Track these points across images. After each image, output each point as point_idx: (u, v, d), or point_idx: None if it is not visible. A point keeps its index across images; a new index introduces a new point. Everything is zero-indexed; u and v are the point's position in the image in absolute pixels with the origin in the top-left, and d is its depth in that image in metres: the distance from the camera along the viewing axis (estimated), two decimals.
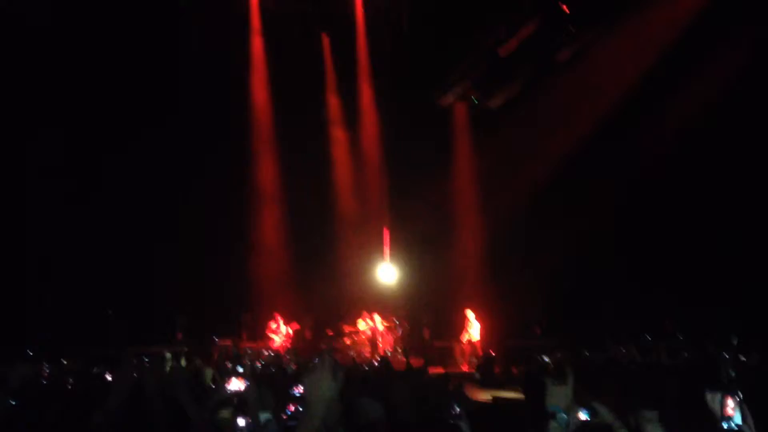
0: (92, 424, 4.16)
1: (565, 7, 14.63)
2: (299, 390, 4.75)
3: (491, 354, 13.48)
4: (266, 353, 13.70)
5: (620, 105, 15.44)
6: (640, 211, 15.63)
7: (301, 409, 4.11)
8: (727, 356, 8.78)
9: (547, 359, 12.37)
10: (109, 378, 8.78)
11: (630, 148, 15.49)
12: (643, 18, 14.58)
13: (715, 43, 14.38)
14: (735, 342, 10.10)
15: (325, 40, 17.51)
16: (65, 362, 10.44)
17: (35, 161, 14.27)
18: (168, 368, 10.12)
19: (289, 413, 4.39)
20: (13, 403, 4.66)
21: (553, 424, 3.25)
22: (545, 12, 14.87)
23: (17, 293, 13.75)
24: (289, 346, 14.85)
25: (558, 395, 3.29)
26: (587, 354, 12.37)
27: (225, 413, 4.29)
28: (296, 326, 15.37)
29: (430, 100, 18.05)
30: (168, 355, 11.06)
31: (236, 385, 4.37)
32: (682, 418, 3.85)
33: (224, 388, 4.51)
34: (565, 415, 3.21)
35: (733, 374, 6.85)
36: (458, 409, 4.57)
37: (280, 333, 15.13)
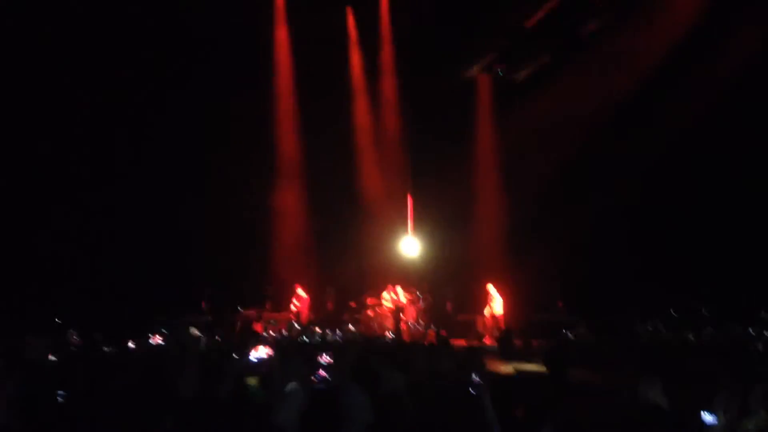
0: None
1: None
2: (325, 359, 4.82)
3: (511, 327, 13.49)
4: (293, 324, 13.84)
5: (647, 80, 15.18)
6: (665, 187, 15.44)
7: (328, 376, 4.21)
8: (753, 333, 8.68)
9: (570, 334, 12.42)
10: (132, 345, 8.99)
11: (656, 125, 15.25)
12: None
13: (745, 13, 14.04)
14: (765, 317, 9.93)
15: (350, 13, 17.39)
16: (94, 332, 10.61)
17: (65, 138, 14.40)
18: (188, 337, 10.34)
19: (318, 377, 4.47)
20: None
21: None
22: None
23: (41, 265, 13.97)
24: (311, 316, 14.98)
25: None
26: (610, 329, 12.36)
27: (251, 380, 4.38)
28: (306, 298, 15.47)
29: (454, 72, 17.89)
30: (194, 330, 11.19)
31: (262, 352, 4.44)
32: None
33: (249, 356, 4.59)
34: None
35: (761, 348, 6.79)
36: (479, 381, 4.61)
37: (303, 302, 15.30)
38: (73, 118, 14.46)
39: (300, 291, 15.43)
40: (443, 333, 12.74)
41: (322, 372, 4.52)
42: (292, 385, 4.26)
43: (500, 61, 17.33)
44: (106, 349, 8.08)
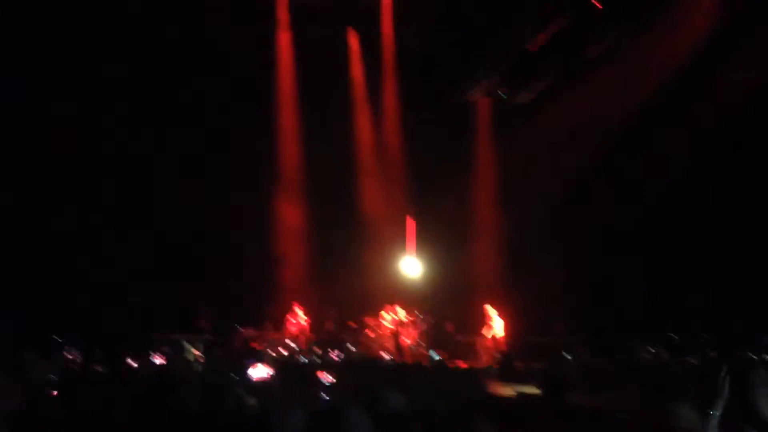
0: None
1: (596, 2, 14.48)
2: (326, 379, 4.83)
3: (512, 349, 13.48)
4: (291, 344, 13.79)
5: (650, 103, 15.25)
6: (667, 209, 15.45)
7: (328, 396, 4.22)
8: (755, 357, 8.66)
9: (568, 356, 12.38)
10: (134, 364, 8.97)
11: (658, 148, 15.31)
12: (675, 14, 14.39)
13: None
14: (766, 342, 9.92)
15: (352, 33, 17.48)
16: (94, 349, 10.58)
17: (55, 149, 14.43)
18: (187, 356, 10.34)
19: (318, 398, 4.47)
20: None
21: None
22: (576, 7, 14.73)
23: (39, 282, 13.94)
24: (306, 336, 14.91)
25: None
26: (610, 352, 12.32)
27: (251, 401, 4.38)
28: (308, 319, 15.41)
29: (455, 94, 17.99)
30: (186, 344, 11.15)
31: (262, 372, 4.45)
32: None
33: (248, 375, 4.58)
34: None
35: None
36: (480, 403, 4.61)
37: (299, 323, 15.20)
38: (68, 132, 14.48)
39: (298, 310, 15.32)
40: (444, 355, 12.71)
41: (322, 392, 4.53)
42: (292, 405, 4.27)
43: (502, 84, 17.42)
44: (105, 367, 8.07)
